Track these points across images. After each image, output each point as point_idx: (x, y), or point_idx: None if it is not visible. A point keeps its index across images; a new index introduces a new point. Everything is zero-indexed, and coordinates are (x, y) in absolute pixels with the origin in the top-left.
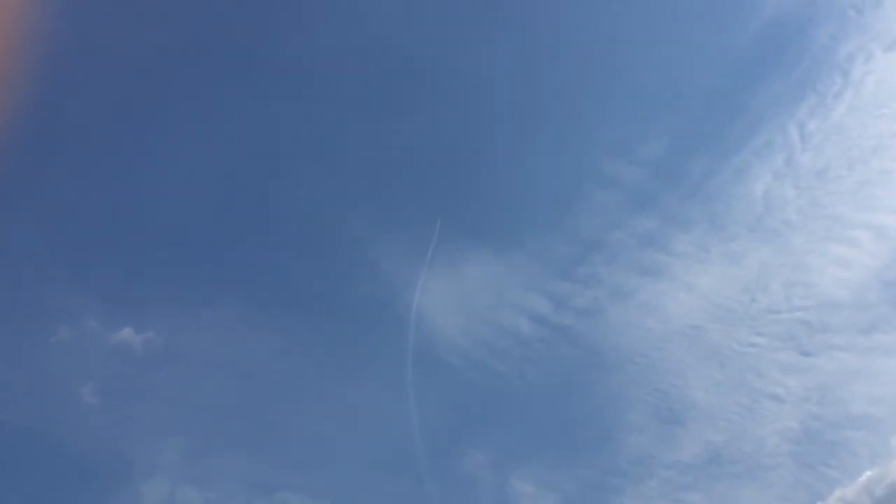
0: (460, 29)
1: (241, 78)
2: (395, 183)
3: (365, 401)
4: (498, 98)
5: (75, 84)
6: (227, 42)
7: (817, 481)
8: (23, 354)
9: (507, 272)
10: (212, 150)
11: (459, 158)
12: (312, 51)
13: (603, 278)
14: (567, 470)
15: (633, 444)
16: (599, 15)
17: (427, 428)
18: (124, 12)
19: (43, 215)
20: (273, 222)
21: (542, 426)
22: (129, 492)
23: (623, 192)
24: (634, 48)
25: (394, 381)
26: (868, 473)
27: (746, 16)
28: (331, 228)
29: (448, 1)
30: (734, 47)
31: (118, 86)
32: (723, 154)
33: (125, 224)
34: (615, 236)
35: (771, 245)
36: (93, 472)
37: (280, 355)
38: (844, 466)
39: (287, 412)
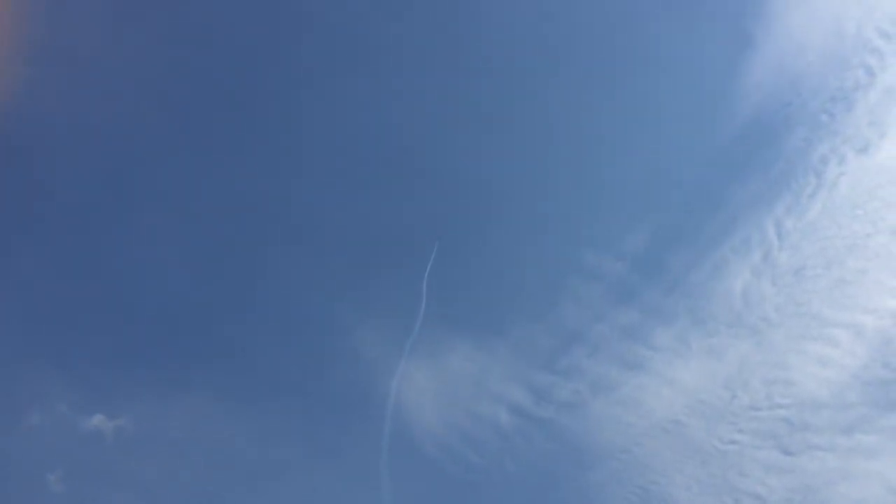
0: (450, 120)
1: (224, 161)
2: (377, 271)
3: (340, 490)
4: (483, 191)
5: (54, 169)
6: (211, 120)
7: None
8: None
9: (489, 362)
10: (190, 235)
11: (444, 248)
12: (298, 135)
13: (584, 371)
14: None
15: None
16: (585, 113)
17: None
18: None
19: (15, 299)
20: (252, 308)
21: None
22: None
23: (605, 284)
24: (616, 146)
25: (370, 470)
26: None
27: (724, 118)
28: (311, 314)
29: (441, 90)
30: (712, 147)
31: (97, 168)
32: (702, 250)
33: (100, 308)
34: (597, 329)
35: (750, 341)
36: None
37: (255, 443)
38: None
39: (261, 501)
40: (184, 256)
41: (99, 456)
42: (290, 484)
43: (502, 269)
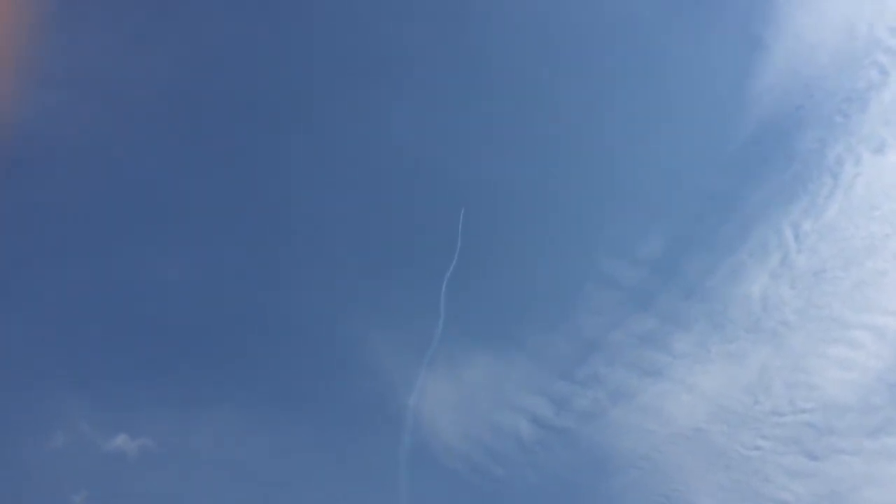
0: (464, 128)
1: (239, 174)
2: (395, 282)
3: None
4: (498, 199)
5: (67, 188)
6: (220, 128)
7: None
8: (15, 461)
9: (508, 373)
10: (206, 250)
11: (460, 258)
12: (313, 144)
13: (604, 379)
14: None
15: None
16: (597, 120)
17: None
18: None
19: (37, 319)
20: (271, 322)
21: None
22: None
23: (622, 291)
24: (630, 152)
25: (390, 484)
26: None
27: (737, 121)
28: (330, 328)
29: (455, 97)
30: (726, 151)
31: (111, 186)
32: (719, 254)
33: (121, 327)
34: (615, 336)
35: (770, 345)
36: None
37: (277, 458)
38: None
39: None
40: (200, 272)
41: (123, 476)
42: (311, 498)
43: (518, 278)
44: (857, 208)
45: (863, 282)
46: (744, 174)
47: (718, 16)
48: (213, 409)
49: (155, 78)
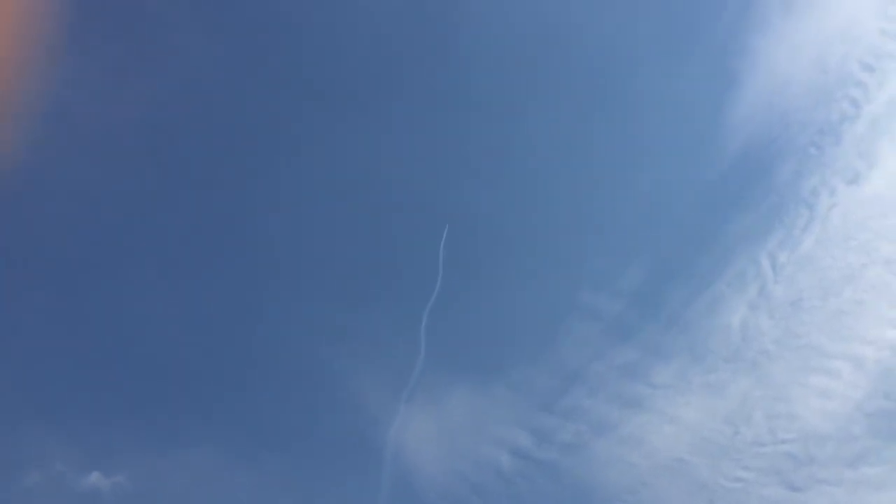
0: (443, 161)
1: (215, 206)
2: (376, 315)
3: None
4: (479, 231)
5: (47, 222)
6: (204, 170)
7: None
8: None
9: (489, 405)
10: (183, 287)
11: (441, 290)
12: (291, 176)
13: (585, 411)
14: None
15: None
16: (576, 153)
17: None
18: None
19: (11, 355)
20: (246, 359)
21: None
22: None
23: (602, 323)
24: (608, 185)
25: None
26: None
27: (714, 154)
28: (308, 362)
29: (435, 129)
30: (703, 183)
31: (93, 227)
32: (698, 285)
33: (96, 363)
34: (597, 368)
35: (751, 376)
36: None
37: (256, 496)
38: None
39: None
40: (177, 306)
41: None
42: None
43: (499, 310)
44: (833, 239)
45: (840, 311)
46: (721, 206)
47: (695, 51)
48: (189, 446)
49: (130, 109)
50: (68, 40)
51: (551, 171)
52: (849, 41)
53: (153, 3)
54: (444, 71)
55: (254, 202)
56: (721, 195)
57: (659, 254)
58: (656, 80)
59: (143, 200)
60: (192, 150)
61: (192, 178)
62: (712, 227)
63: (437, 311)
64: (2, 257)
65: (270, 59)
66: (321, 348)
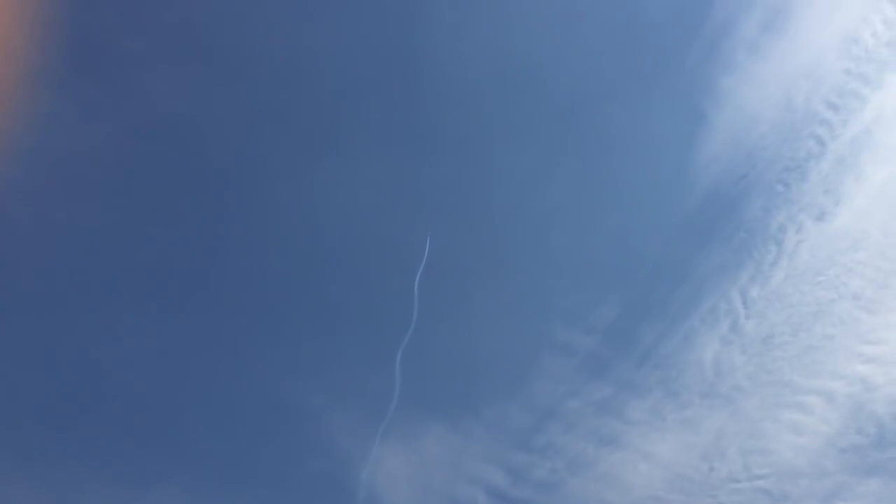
0: (414, 199)
1: (183, 243)
2: (349, 354)
3: None
4: (451, 269)
5: (18, 261)
6: (171, 208)
7: None
8: None
9: (463, 444)
10: (155, 322)
11: (415, 329)
12: (261, 215)
13: (560, 448)
14: None
15: None
16: (547, 191)
17: None
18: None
19: None
20: (217, 395)
21: None
22: None
23: (576, 359)
24: (580, 222)
25: None
26: None
27: (683, 191)
28: (280, 401)
29: (404, 173)
30: (674, 220)
31: (63, 265)
32: (671, 321)
33: (60, 402)
34: (571, 405)
35: (725, 411)
36: None
37: None
38: None
39: None
40: (144, 344)
41: None
42: None
43: (472, 347)
44: (802, 274)
45: (811, 347)
46: (692, 242)
47: (662, 91)
48: (156, 488)
49: (102, 146)
50: (40, 77)
51: (522, 210)
52: (814, 80)
53: (127, 41)
54: (414, 109)
55: (226, 237)
56: (691, 231)
57: (631, 290)
58: (625, 118)
59: (113, 237)
60: (163, 186)
61: (163, 213)
62: (683, 263)
63: (411, 349)
64: None
65: (245, 97)
66: (293, 386)
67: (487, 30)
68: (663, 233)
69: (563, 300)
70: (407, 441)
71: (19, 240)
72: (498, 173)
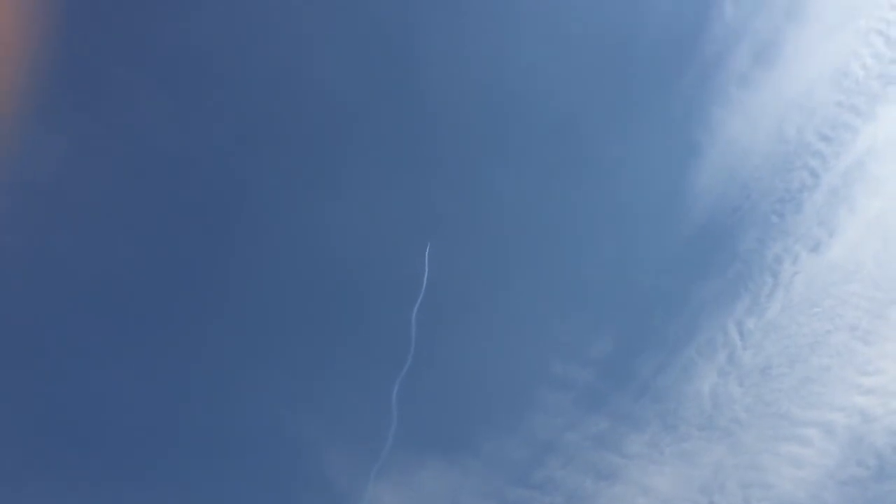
0: (408, 233)
1: (186, 280)
2: (344, 387)
3: None
4: (448, 302)
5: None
6: (173, 247)
7: None
8: None
9: (461, 479)
10: (149, 355)
11: (411, 364)
12: (256, 243)
13: (559, 483)
14: None
15: None
16: (543, 224)
17: None
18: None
19: None
20: (210, 428)
21: None
22: None
23: (574, 393)
24: (575, 255)
25: None
26: None
27: (678, 223)
28: (275, 434)
29: (398, 203)
30: (669, 252)
31: (57, 300)
32: (668, 353)
33: (57, 432)
34: (569, 438)
35: (723, 444)
36: None
37: None
38: None
39: None
40: (142, 376)
41: None
42: None
43: (469, 381)
44: (797, 306)
45: (809, 378)
46: (688, 273)
47: (657, 122)
48: None
49: (96, 180)
50: (31, 108)
51: (518, 242)
52: (806, 112)
53: (120, 71)
54: (411, 140)
55: (220, 267)
56: (687, 263)
57: (628, 322)
58: (620, 150)
59: (105, 268)
60: (156, 216)
61: (157, 244)
62: (680, 295)
63: (408, 383)
64: None
65: (239, 124)
66: (288, 421)
67: (482, 61)
68: (659, 264)
69: (560, 333)
70: (404, 476)
71: (7, 270)
72: (494, 207)
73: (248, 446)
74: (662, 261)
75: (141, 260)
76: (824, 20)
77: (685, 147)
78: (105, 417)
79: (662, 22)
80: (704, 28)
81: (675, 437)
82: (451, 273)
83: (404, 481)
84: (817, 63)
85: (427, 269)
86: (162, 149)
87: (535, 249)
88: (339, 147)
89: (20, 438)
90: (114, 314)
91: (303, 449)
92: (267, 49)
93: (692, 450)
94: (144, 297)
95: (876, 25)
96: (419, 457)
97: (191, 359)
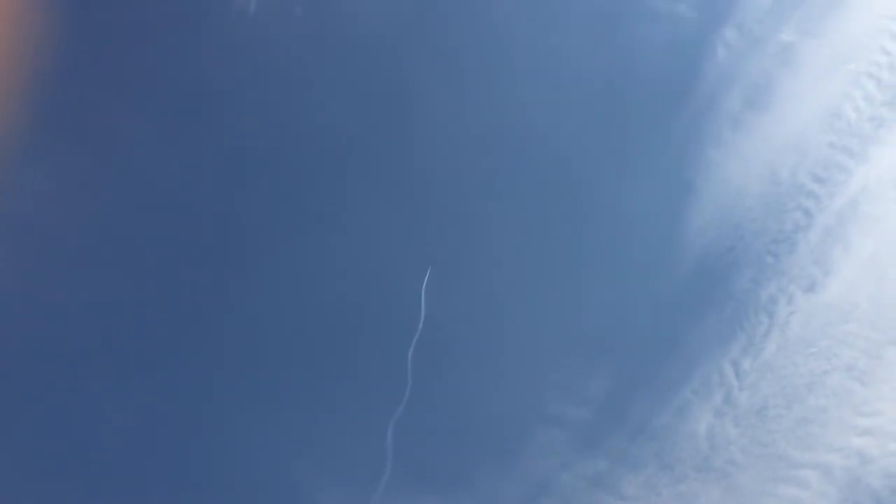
0: (407, 270)
1: (179, 319)
2: (338, 426)
3: None
4: (444, 340)
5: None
6: (168, 286)
7: None
8: None
9: None
10: (145, 394)
11: (407, 401)
12: (251, 279)
13: None
14: None
15: None
16: (540, 264)
17: None
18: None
19: None
20: (201, 468)
21: None
22: None
23: (569, 432)
24: (572, 294)
25: None
26: None
27: (673, 263)
28: (268, 473)
29: (394, 244)
30: (664, 291)
31: (51, 335)
32: (663, 393)
33: (53, 476)
34: (564, 479)
35: (720, 485)
36: None
37: None
38: None
39: None
40: (131, 417)
41: None
42: None
43: (465, 419)
44: (793, 346)
45: (806, 419)
46: (683, 313)
47: (651, 164)
48: None
49: (92, 221)
50: (28, 147)
51: (514, 281)
52: (799, 154)
53: (120, 113)
54: (408, 178)
55: (215, 306)
56: (682, 303)
57: (623, 362)
58: (614, 191)
59: (98, 311)
60: (151, 258)
61: (151, 287)
62: (675, 335)
63: (403, 421)
64: None
65: (237, 168)
66: (282, 459)
67: (480, 106)
68: (654, 304)
69: (554, 372)
70: None
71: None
72: (490, 246)
73: (240, 485)
74: (658, 301)
75: (132, 297)
76: (816, 64)
77: (680, 188)
78: (95, 455)
79: (656, 65)
80: (698, 71)
81: (671, 478)
82: (447, 312)
83: None
84: (810, 105)
85: (424, 308)
86: (155, 185)
87: (531, 289)
88: (335, 185)
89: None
90: (103, 353)
91: (296, 487)
92: (263, 88)
93: (688, 491)
94: (134, 334)
95: (867, 69)
96: (414, 495)
97: (182, 396)
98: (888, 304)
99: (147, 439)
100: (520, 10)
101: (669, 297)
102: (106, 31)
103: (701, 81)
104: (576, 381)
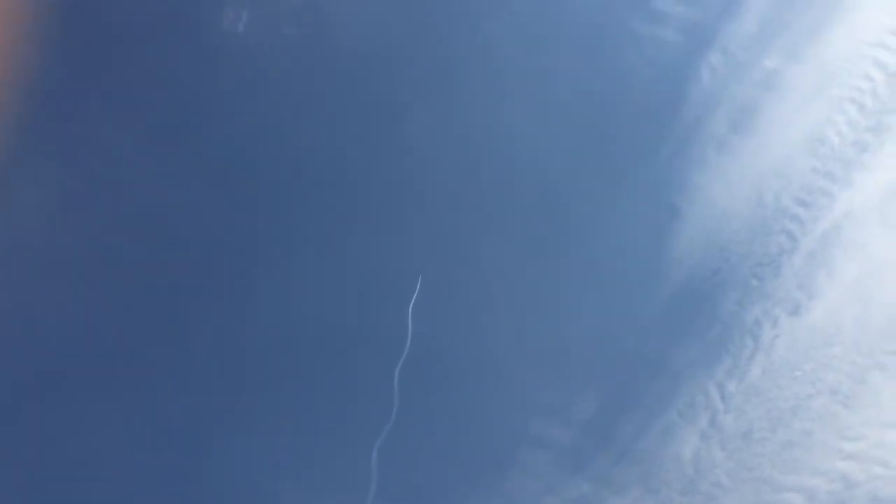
0: (394, 294)
1: (166, 342)
2: (323, 448)
3: None
4: (427, 363)
5: None
6: (153, 308)
7: None
8: None
9: None
10: (132, 412)
11: (394, 423)
12: (243, 312)
13: None
14: None
15: None
16: (526, 283)
17: None
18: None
19: None
20: (185, 491)
21: None
22: None
23: (553, 453)
24: (557, 316)
25: None
26: None
27: (659, 285)
28: (254, 497)
29: (381, 268)
30: (649, 313)
31: (42, 358)
32: (649, 415)
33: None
34: (549, 501)
35: None
36: None
37: None
38: None
39: None
40: (118, 436)
41: None
42: None
43: (448, 442)
44: (778, 369)
45: (791, 442)
46: (668, 336)
47: (637, 187)
48: None
49: (83, 240)
50: (17, 166)
51: (500, 303)
52: (783, 178)
53: (108, 131)
54: (395, 200)
55: (203, 327)
56: (667, 325)
57: (608, 384)
58: (599, 214)
59: (88, 331)
60: (139, 277)
61: (140, 305)
62: (660, 357)
63: (388, 443)
64: None
65: (224, 186)
66: (265, 479)
67: (468, 128)
68: (640, 327)
69: (539, 394)
70: None
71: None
72: (476, 268)
73: None
74: (643, 323)
75: (122, 319)
76: (800, 88)
77: (665, 211)
78: (86, 479)
79: (642, 88)
80: (683, 95)
81: (656, 501)
82: (431, 335)
83: None
84: (793, 130)
85: (410, 331)
86: (147, 207)
87: (515, 311)
88: (321, 203)
89: None
90: (95, 377)
91: None
92: (256, 110)
93: None
94: (125, 355)
95: (850, 94)
96: None
97: (162, 415)
98: (872, 329)
99: (129, 460)
100: (505, 34)
101: (655, 319)
102: (95, 50)
103: (686, 105)
104: (561, 403)
